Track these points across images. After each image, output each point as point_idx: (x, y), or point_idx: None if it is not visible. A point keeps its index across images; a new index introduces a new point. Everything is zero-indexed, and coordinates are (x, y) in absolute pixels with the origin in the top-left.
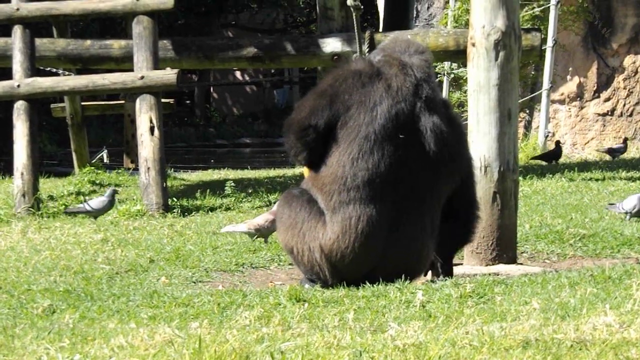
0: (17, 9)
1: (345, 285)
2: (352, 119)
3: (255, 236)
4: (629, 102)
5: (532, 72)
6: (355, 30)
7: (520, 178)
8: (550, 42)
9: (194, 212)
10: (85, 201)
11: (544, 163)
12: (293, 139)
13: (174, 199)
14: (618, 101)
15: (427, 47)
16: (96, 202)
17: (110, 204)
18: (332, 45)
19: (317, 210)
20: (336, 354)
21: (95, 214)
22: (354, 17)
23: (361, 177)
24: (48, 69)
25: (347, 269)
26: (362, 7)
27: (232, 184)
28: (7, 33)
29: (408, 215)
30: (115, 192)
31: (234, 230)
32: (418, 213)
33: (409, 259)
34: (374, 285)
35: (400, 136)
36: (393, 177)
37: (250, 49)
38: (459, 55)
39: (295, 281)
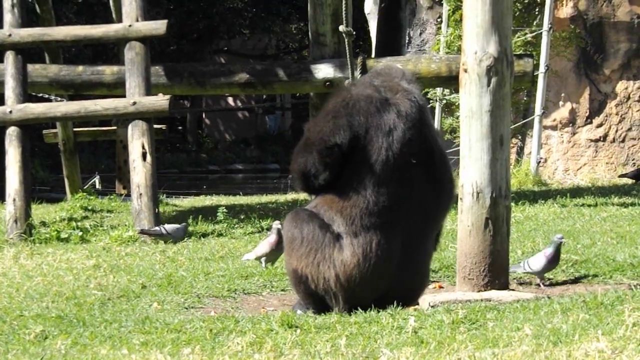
0: (9, 35)
1: (358, 309)
2: (370, 142)
3: (264, 262)
4: (621, 128)
5: (525, 98)
6: (348, 56)
7: (512, 204)
8: (542, 68)
9: (186, 238)
10: (162, 224)
11: (630, 181)
12: (316, 158)
13: (165, 225)
14: (610, 127)
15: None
16: (171, 227)
17: (183, 233)
18: (324, 71)
19: (330, 236)
20: None
21: (168, 238)
22: (346, 43)
23: (382, 202)
24: (40, 94)
25: (362, 294)
26: (354, 33)
27: (225, 209)
28: None
29: (417, 240)
30: (187, 225)
31: (247, 259)
32: (424, 237)
33: (417, 282)
34: (367, 311)
35: (413, 161)
36: (409, 202)
37: (242, 74)
38: (451, 81)
39: (287, 307)
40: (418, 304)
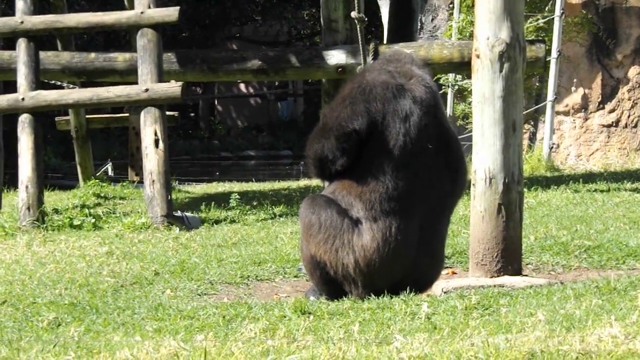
0: (22, 22)
1: (371, 295)
2: (387, 128)
3: None
4: (634, 114)
5: (537, 84)
6: (360, 43)
7: (525, 190)
8: (554, 54)
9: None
10: (183, 212)
11: None
12: (333, 144)
13: (179, 211)
14: (623, 112)
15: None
16: (191, 216)
17: (200, 224)
18: (336, 57)
19: (349, 221)
20: None
21: (187, 226)
22: (358, 29)
23: (401, 187)
24: (52, 82)
25: (381, 279)
26: (366, 19)
27: (237, 196)
28: (12, 46)
29: (433, 225)
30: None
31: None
32: (440, 222)
33: (434, 267)
34: (380, 297)
35: (429, 146)
36: (426, 187)
37: (254, 61)
38: (463, 67)
39: (300, 293)
40: (431, 289)
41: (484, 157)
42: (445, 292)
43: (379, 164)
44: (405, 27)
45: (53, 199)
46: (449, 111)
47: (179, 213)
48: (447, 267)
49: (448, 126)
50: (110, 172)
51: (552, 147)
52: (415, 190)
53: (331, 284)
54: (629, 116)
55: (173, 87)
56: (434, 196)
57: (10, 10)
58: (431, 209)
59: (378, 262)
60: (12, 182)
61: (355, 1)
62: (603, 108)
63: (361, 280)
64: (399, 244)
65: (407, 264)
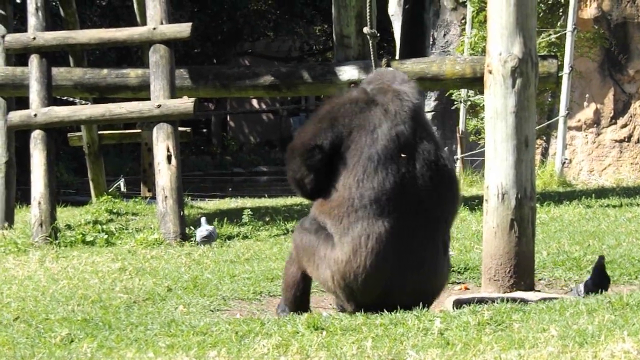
0: (34, 38)
1: (363, 311)
2: (354, 143)
3: None
4: None
5: (549, 99)
6: (372, 58)
7: (537, 205)
8: (566, 69)
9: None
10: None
11: None
12: (299, 162)
13: (191, 227)
14: (635, 127)
15: (411, 78)
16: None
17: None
18: (348, 73)
19: (325, 237)
20: None
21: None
22: (370, 44)
23: (367, 197)
24: (65, 98)
25: (361, 290)
26: (378, 34)
27: (250, 212)
28: (24, 62)
29: (417, 233)
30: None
31: None
32: (428, 231)
33: (428, 280)
34: (392, 312)
35: (402, 155)
36: (399, 195)
37: (267, 77)
38: (475, 82)
39: (314, 310)
40: (431, 304)
41: (496, 173)
42: (458, 308)
43: (344, 178)
44: (417, 42)
45: (65, 215)
46: (461, 126)
47: (203, 224)
48: (459, 283)
49: (431, 137)
50: (122, 188)
51: (565, 163)
52: (387, 199)
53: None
54: None
55: (185, 103)
56: (414, 207)
57: (22, 27)
58: (413, 220)
59: (352, 274)
60: (24, 198)
61: (368, 17)
62: (615, 123)
63: (343, 294)
64: (372, 254)
65: (387, 275)
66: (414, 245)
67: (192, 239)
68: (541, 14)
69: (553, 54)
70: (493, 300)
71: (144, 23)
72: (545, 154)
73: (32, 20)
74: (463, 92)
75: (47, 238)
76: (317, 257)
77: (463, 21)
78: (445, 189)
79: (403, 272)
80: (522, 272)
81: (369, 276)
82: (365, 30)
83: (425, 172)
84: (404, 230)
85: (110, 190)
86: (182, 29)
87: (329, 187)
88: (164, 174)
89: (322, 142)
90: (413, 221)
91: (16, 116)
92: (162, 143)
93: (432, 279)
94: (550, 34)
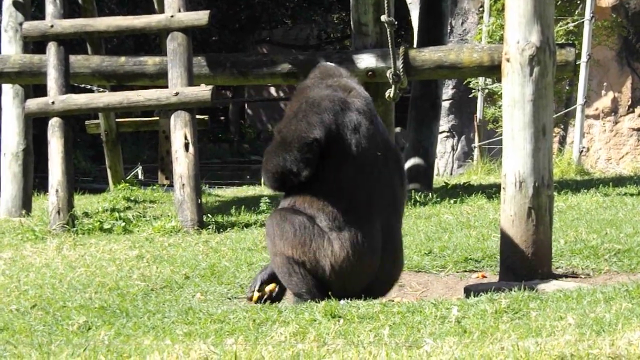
0: (52, 26)
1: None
2: (340, 140)
3: None
4: None
5: (567, 87)
6: (390, 46)
7: (555, 193)
8: (584, 57)
9: (228, 229)
10: None
11: None
12: (297, 156)
13: (209, 215)
14: None
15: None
16: None
17: None
18: (366, 61)
19: (319, 230)
20: None
21: None
22: (388, 32)
23: (361, 197)
24: (82, 85)
25: (351, 284)
26: (396, 22)
27: (267, 199)
28: (42, 50)
29: (393, 228)
30: None
31: None
32: (397, 225)
33: (397, 268)
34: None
35: (378, 154)
36: (382, 194)
37: (284, 65)
38: (493, 70)
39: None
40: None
41: (514, 161)
42: (475, 296)
43: (337, 176)
44: (435, 30)
45: (83, 202)
46: (478, 115)
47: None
48: (476, 271)
49: (386, 134)
50: (140, 176)
51: (582, 151)
52: (374, 198)
53: (312, 282)
54: None
55: (203, 91)
56: (390, 201)
57: (40, 14)
58: (390, 214)
59: (349, 269)
60: (42, 185)
61: (386, 5)
62: (633, 111)
63: (334, 285)
64: (367, 251)
65: (375, 270)
66: (391, 241)
67: (209, 226)
68: (559, 3)
69: (571, 42)
70: (510, 288)
71: (161, 11)
72: (562, 142)
73: (49, 8)
74: (481, 80)
75: (65, 226)
76: (314, 244)
77: (481, 9)
78: (405, 181)
79: (386, 266)
80: (539, 260)
81: (362, 272)
82: (383, 18)
83: (393, 165)
84: (387, 228)
85: (127, 178)
86: (200, 17)
87: (320, 183)
88: (182, 162)
89: (319, 135)
90: (392, 218)
91: (34, 104)
92: (179, 131)
93: (400, 267)
94: (568, 23)
